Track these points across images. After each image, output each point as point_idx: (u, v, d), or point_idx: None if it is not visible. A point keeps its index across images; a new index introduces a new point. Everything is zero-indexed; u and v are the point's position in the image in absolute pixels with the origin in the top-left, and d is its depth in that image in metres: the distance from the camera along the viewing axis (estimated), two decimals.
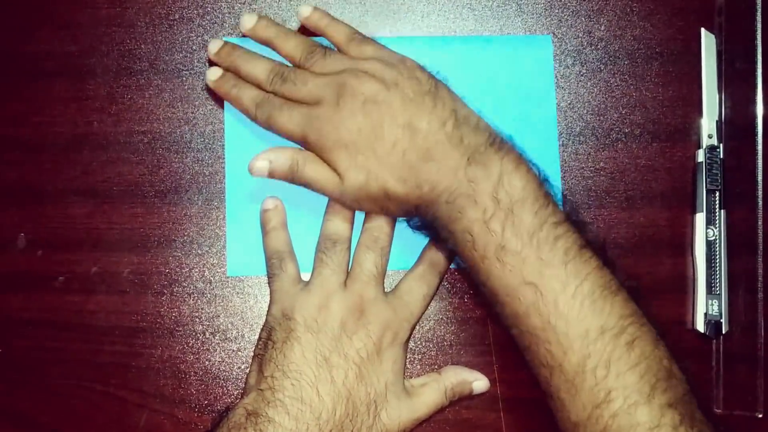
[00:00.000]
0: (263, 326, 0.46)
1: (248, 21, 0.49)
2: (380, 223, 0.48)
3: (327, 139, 0.44)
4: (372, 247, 0.47)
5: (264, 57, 0.48)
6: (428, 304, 0.48)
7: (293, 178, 0.45)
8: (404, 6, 0.52)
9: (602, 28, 0.53)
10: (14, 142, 0.50)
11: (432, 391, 0.47)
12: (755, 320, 0.51)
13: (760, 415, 0.50)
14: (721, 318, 0.50)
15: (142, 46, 0.51)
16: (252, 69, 0.47)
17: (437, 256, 0.48)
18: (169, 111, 0.51)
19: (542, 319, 0.39)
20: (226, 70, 0.49)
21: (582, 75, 0.53)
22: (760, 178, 0.51)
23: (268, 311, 0.47)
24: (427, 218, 0.44)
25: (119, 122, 0.51)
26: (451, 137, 0.42)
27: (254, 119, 0.47)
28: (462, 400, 0.49)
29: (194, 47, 0.51)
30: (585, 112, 0.52)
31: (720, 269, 0.50)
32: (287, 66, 0.47)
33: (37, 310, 0.49)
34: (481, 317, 0.50)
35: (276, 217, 0.49)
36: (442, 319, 0.50)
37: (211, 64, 0.49)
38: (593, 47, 0.53)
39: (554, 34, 0.53)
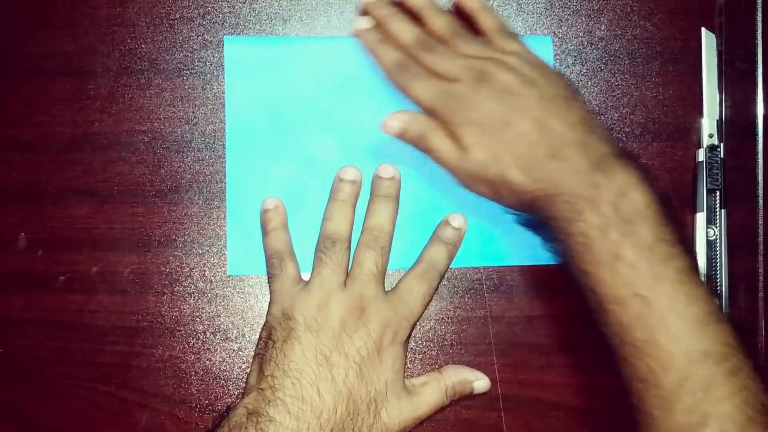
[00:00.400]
0: (264, 326, 0.46)
1: None
2: (380, 223, 0.48)
3: (457, 115, 0.44)
4: (372, 246, 0.47)
5: (413, 23, 0.48)
6: (428, 304, 0.48)
7: (418, 143, 0.45)
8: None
9: (603, 27, 0.53)
10: (15, 142, 0.50)
11: (433, 390, 0.47)
12: (755, 320, 0.51)
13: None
14: None
15: (143, 46, 0.51)
16: (400, 30, 0.47)
17: (438, 255, 0.48)
18: (169, 111, 0.51)
19: (647, 333, 0.39)
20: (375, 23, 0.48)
21: (582, 74, 0.53)
22: (760, 177, 0.51)
23: (268, 311, 0.47)
24: (541, 215, 0.43)
25: (120, 122, 0.51)
26: (579, 142, 0.42)
27: (390, 78, 0.47)
28: (462, 400, 0.49)
29: (195, 47, 0.51)
30: None
31: (720, 269, 0.50)
32: (431, 38, 0.47)
33: (38, 310, 0.49)
34: (482, 317, 0.51)
35: (276, 217, 0.49)
36: (442, 318, 0.50)
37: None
38: (593, 47, 0.53)
39: (555, 33, 0.53)
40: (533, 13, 0.53)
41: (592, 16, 0.53)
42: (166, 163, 0.50)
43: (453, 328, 0.50)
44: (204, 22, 0.51)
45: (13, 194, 0.50)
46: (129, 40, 0.51)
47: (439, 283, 0.49)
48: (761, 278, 0.51)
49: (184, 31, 0.51)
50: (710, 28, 0.53)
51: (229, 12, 0.52)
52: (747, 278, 0.51)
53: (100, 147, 0.50)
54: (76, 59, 0.51)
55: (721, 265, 0.50)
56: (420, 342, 0.50)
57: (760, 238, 0.51)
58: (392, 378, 0.45)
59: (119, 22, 0.51)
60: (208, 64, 0.51)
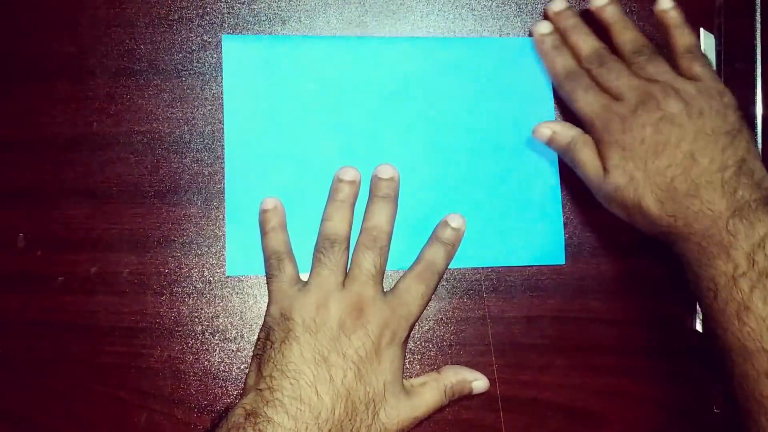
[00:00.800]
0: (262, 327, 0.47)
1: (600, 1, 0.50)
2: (379, 223, 0.48)
3: (610, 134, 0.46)
4: (371, 247, 0.47)
5: (595, 36, 0.50)
6: (427, 304, 0.48)
7: (566, 153, 0.48)
8: (404, 6, 0.52)
9: (602, 28, 0.53)
10: (13, 143, 0.50)
11: (431, 391, 0.47)
12: None
13: None
14: None
15: (142, 47, 0.51)
16: (579, 40, 0.50)
17: (436, 256, 0.48)
18: (168, 111, 0.51)
19: None
20: (555, 29, 0.51)
21: None
22: None
23: (266, 311, 0.47)
24: (673, 250, 0.45)
25: (119, 122, 0.51)
26: (725, 183, 0.43)
27: (558, 84, 0.50)
28: (461, 400, 0.49)
29: (194, 47, 0.51)
30: None
31: None
32: (609, 53, 0.49)
33: (37, 311, 0.49)
34: (481, 317, 0.51)
35: (275, 217, 0.49)
36: (441, 319, 0.50)
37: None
38: None
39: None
40: (533, 14, 0.53)
41: (592, 17, 0.53)
42: (164, 164, 0.50)
43: (452, 328, 0.50)
44: (203, 23, 0.51)
45: (12, 194, 0.50)
46: (128, 41, 0.51)
47: (437, 284, 0.49)
48: None
49: (183, 31, 0.51)
50: (709, 29, 0.52)
51: (228, 12, 0.52)
52: None
53: (98, 147, 0.50)
54: (74, 60, 0.51)
55: None
56: (419, 342, 0.50)
57: None
58: (390, 378, 0.45)
59: (118, 22, 0.51)
60: (206, 64, 0.51)
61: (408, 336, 0.47)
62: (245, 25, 0.51)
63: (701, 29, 0.52)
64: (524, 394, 0.50)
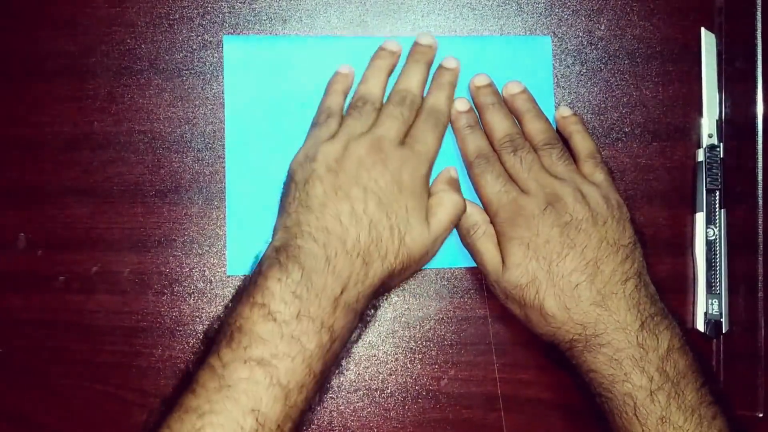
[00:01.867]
0: (288, 171, 0.47)
1: (514, 88, 0.51)
2: (410, 86, 0.49)
3: (514, 229, 0.45)
4: (399, 103, 0.48)
5: (511, 119, 0.50)
6: (440, 142, 0.48)
7: (466, 236, 0.48)
8: (404, 6, 0.52)
9: (602, 27, 0.53)
10: (14, 142, 0.50)
11: (442, 210, 0.47)
12: (755, 320, 0.51)
13: (761, 415, 0.50)
14: (722, 317, 0.50)
15: (143, 46, 0.51)
16: (495, 122, 0.49)
17: (438, 101, 0.49)
18: (169, 111, 0.51)
19: None
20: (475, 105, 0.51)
21: (582, 74, 0.53)
22: (760, 177, 0.52)
23: (294, 157, 0.47)
24: (577, 363, 0.45)
25: (119, 122, 0.51)
26: (630, 296, 0.44)
27: (467, 164, 0.49)
28: (462, 400, 0.49)
29: (194, 47, 0.51)
30: (585, 111, 0.52)
31: (720, 269, 0.50)
32: (523, 140, 0.49)
33: (38, 310, 0.49)
34: (482, 317, 0.51)
35: (344, 81, 0.50)
36: (442, 318, 0.50)
37: None
38: (593, 47, 0.53)
39: (554, 33, 0.53)
40: (533, 13, 0.53)
41: (592, 16, 0.53)
42: (165, 163, 0.50)
43: (453, 327, 0.50)
44: (203, 22, 0.51)
45: (13, 194, 0.50)
46: (128, 40, 0.51)
47: (446, 124, 0.49)
48: (761, 278, 0.51)
49: (184, 31, 0.51)
50: (710, 28, 0.53)
51: (229, 12, 0.52)
52: (746, 278, 0.51)
53: (99, 147, 0.50)
54: (75, 59, 0.51)
55: (720, 265, 0.50)
56: (420, 342, 0.50)
57: (760, 238, 0.51)
58: (413, 205, 0.45)
59: (119, 22, 0.51)
60: (207, 64, 0.51)
61: (429, 173, 0.47)
62: (246, 24, 0.51)
63: (702, 29, 0.52)
64: (525, 394, 0.50)
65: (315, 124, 0.48)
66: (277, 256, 0.42)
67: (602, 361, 0.43)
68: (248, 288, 0.42)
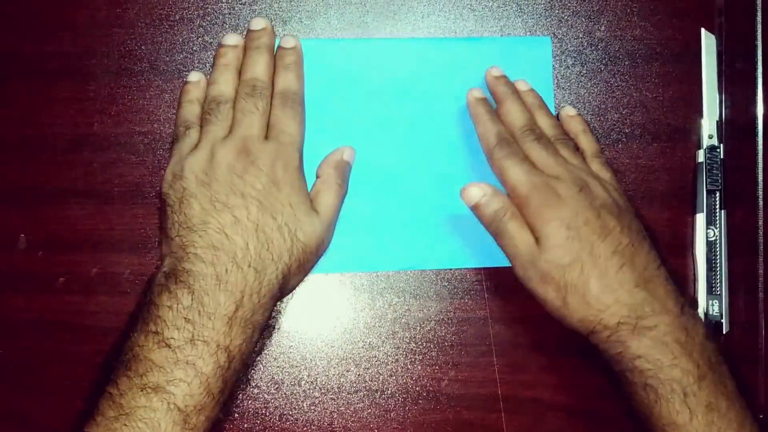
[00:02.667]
0: (160, 197, 0.46)
1: (522, 86, 0.51)
2: (257, 73, 0.48)
3: (550, 210, 0.44)
4: (251, 93, 0.47)
5: (529, 111, 0.49)
6: (303, 124, 0.48)
7: (492, 221, 0.46)
8: (404, 6, 0.52)
9: (602, 28, 0.53)
10: (15, 143, 0.50)
11: (326, 193, 0.47)
12: (756, 320, 0.51)
13: (761, 416, 0.50)
14: (722, 318, 0.50)
15: (143, 47, 0.51)
16: (514, 111, 0.49)
17: (286, 81, 0.48)
18: (169, 112, 0.51)
19: None
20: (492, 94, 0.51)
21: (582, 75, 0.53)
22: (760, 178, 0.52)
23: (163, 181, 0.46)
24: (617, 350, 0.43)
25: (119, 123, 0.51)
26: (666, 281, 0.44)
27: (488, 152, 0.48)
28: (462, 401, 0.49)
29: (195, 48, 0.51)
30: (585, 112, 0.52)
31: (720, 269, 0.50)
32: (542, 131, 0.48)
33: (38, 311, 0.49)
34: (482, 318, 0.51)
35: (195, 90, 0.49)
36: (442, 319, 0.50)
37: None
38: (593, 48, 0.53)
39: (554, 34, 0.53)
40: (533, 14, 0.53)
41: (592, 17, 0.53)
42: (165, 165, 0.50)
43: (453, 329, 0.50)
44: (204, 24, 0.51)
45: (13, 195, 0.50)
46: (129, 42, 0.51)
47: (301, 103, 0.49)
48: (761, 278, 0.51)
49: (184, 32, 0.51)
50: (710, 29, 0.53)
51: (229, 13, 0.52)
52: (747, 278, 0.51)
53: (99, 148, 0.50)
54: (75, 60, 0.51)
55: (721, 266, 0.50)
56: (420, 343, 0.50)
57: (760, 239, 0.51)
58: (296, 200, 0.45)
59: (119, 23, 0.51)
60: (208, 65, 0.51)
61: (301, 161, 0.47)
62: (246, 25, 0.51)
63: (702, 29, 0.52)
64: (525, 395, 0.50)
65: (175, 140, 0.48)
66: (166, 282, 0.42)
67: (649, 345, 0.42)
68: (142, 315, 0.42)
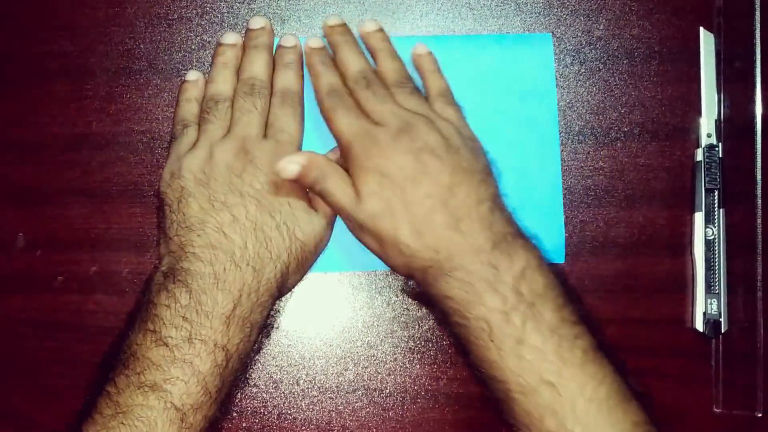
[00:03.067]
0: (156, 197, 0.46)
1: (369, 26, 0.50)
2: (256, 71, 0.48)
3: (368, 159, 0.44)
4: (249, 92, 0.47)
5: (365, 58, 0.49)
6: (302, 123, 0.48)
7: (314, 185, 0.45)
8: (403, 5, 0.52)
9: (601, 27, 0.53)
10: (13, 142, 0.50)
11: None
12: (754, 319, 0.51)
13: (760, 415, 0.50)
14: (720, 317, 0.50)
15: (141, 46, 0.51)
16: (348, 59, 0.49)
17: (287, 80, 0.49)
18: (168, 111, 0.51)
19: (557, 422, 0.39)
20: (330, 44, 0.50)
21: (581, 74, 0.53)
22: (759, 177, 0.51)
23: (161, 180, 0.47)
24: (433, 292, 0.43)
25: (118, 122, 0.51)
26: (483, 218, 0.42)
27: (319, 101, 0.48)
28: (461, 400, 0.49)
29: (193, 47, 0.51)
30: (584, 111, 0.52)
31: (719, 268, 0.50)
32: (376, 77, 0.48)
33: (37, 311, 0.49)
34: None
35: (193, 89, 0.49)
36: None
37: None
38: (592, 46, 0.53)
39: (553, 33, 0.53)
40: (532, 13, 0.53)
41: (591, 16, 0.53)
42: (164, 163, 0.50)
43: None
44: (202, 22, 0.51)
45: (12, 194, 0.50)
46: (127, 41, 0.51)
47: (301, 101, 0.49)
48: (760, 278, 0.51)
49: (183, 31, 0.51)
50: (709, 28, 0.52)
51: (227, 12, 0.52)
52: (745, 278, 0.51)
53: (98, 147, 0.50)
54: (74, 59, 0.51)
55: (719, 265, 0.50)
56: (419, 342, 0.50)
57: (759, 238, 0.51)
58: (293, 198, 0.45)
59: (117, 22, 0.51)
60: (206, 64, 0.51)
61: None
62: (244, 24, 0.51)
63: (701, 29, 0.52)
64: None
65: (173, 139, 0.48)
66: (164, 281, 0.42)
67: (455, 286, 0.41)
68: (141, 314, 0.42)
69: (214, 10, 0.52)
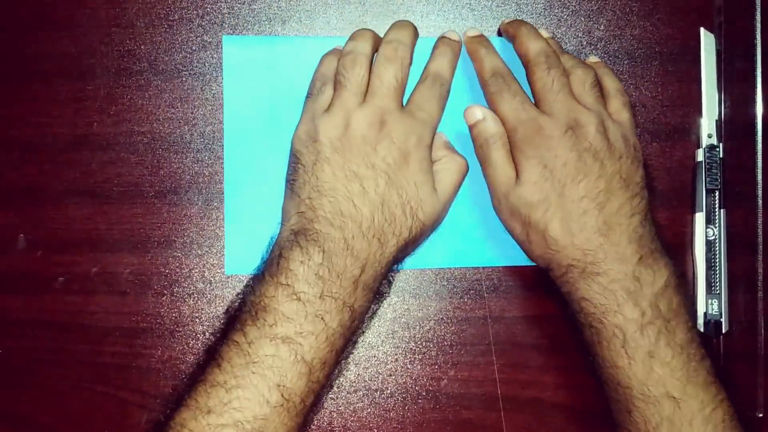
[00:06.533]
0: (291, 151, 0.46)
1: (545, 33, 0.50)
2: (401, 36, 0.47)
3: (533, 148, 0.45)
4: (392, 59, 0.46)
5: (546, 41, 0.48)
6: (443, 108, 0.48)
7: (481, 146, 0.47)
8: (404, 6, 0.52)
9: (602, 27, 0.53)
10: (14, 143, 0.50)
11: (448, 172, 0.47)
12: (755, 319, 0.51)
13: (761, 415, 0.50)
14: (721, 317, 0.50)
15: (142, 47, 0.51)
16: (530, 41, 0.48)
17: (441, 66, 0.48)
18: (168, 111, 0.51)
19: None
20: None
21: None
22: (759, 177, 0.51)
23: (294, 134, 0.47)
24: (569, 290, 0.45)
25: (119, 123, 0.51)
26: (633, 230, 0.44)
27: (483, 83, 0.48)
28: (462, 401, 0.49)
29: (194, 47, 0.51)
30: None
31: (719, 269, 0.50)
32: (558, 61, 0.47)
33: (37, 311, 0.49)
34: (481, 317, 0.51)
35: (338, 53, 0.48)
36: (442, 318, 0.50)
37: None
38: (593, 47, 0.53)
39: (554, 33, 0.53)
40: (532, 13, 0.53)
41: (591, 16, 0.53)
42: (165, 164, 0.50)
43: (453, 328, 0.51)
44: (203, 23, 0.51)
45: (12, 195, 0.50)
46: (128, 41, 0.51)
47: (448, 90, 0.49)
48: (760, 278, 0.51)
49: (183, 32, 0.51)
50: (709, 28, 0.53)
51: (228, 13, 0.52)
52: (746, 278, 0.51)
53: (99, 148, 0.50)
54: (74, 60, 0.51)
55: (720, 265, 0.50)
56: (419, 342, 0.50)
57: (760, 238, 0.51)
58: (422, 179, 0.45)
59: (118, 23, 0.51)
60: (206, 64, 0.51)
61: (432, 139, 0.47)
62: (245, 25, 0.51)
63: (701, 29, 0.52)
64: (525, 394, 0.50)
65: (309, 95, 0.47)
66: (296, 239, 0.42)
67: (596, 290, 0.43)
68: (270, 269, 0.42)
69: (215, 11, 0.52)
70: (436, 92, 0.47)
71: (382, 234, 0.43)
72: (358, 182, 0.44)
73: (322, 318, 0.41)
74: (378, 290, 0.45)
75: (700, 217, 0.51)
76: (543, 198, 0.44)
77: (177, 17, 0.51)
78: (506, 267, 0.51)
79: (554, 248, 0.44)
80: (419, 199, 0.45)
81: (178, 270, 0.50)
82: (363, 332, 0.49)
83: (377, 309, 0.48)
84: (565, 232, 0.44)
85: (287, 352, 0.40)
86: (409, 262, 0.49)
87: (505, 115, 0.46)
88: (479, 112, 0.47)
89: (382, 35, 0.51)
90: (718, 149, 0.51)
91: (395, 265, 0.46)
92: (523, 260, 0.50)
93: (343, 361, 0.45)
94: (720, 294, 0.50)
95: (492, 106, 0.48)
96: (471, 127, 0.48)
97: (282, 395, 0.40)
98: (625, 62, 0.53)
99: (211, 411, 0.39)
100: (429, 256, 0.50)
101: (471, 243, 0.50)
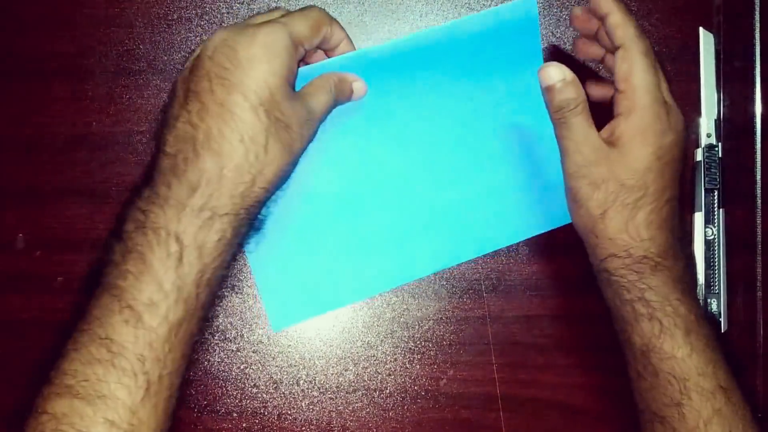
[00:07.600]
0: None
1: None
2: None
3: (653, 134, 0.43)
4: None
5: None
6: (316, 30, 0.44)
7: (559, 110, 0.43)
8: (403, 6, 0.52)
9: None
10: (13, 142, 0.50)
11: (320, 92, 0.44)
12: (754, 319, 0.51)
13: (760, 415, 0.50)
14: (720, 317, 0.50)
15: (141, 47, 0.51)
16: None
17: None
18: None
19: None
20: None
21: (581, 75, 0.52)
22: (758, 176, 0.52)
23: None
24: (635, 283, 0.43)
25: (118, 122, 0.51)
26: (682, 229, 0.45)
27: (622, 40, 0.44)
28: (461, 400, 0.49)
29: (193, 47, 0.51)
30: None
31: (719, 268, 0.50)
32: None
33: (37, 311, 0.49)
34: (480, 317, 0.51)
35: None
36: (440, 318, 0.50)
37: None
38: None
39: (553, 33, 0.53)
40: None
41: None
42: None
43: (451, 328, 0.51)
44: (202, 23, 0.51)
45: (11, 194, 0.50)
46: (127, 41, 0.51)
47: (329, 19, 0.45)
48: (759, 277, 0.51)
49: (182, 31, 0.51)
50: (708, 28, 0.53)
51: (227, 12, 0.52)
52: (745, 277, 0.51)
53: (98, 147, 0.50)
54: (74, 60, 0.51)
55: (719, 265, 0.50)
56: (419, 342, 0.50)
57: (758, 238, 0.51)
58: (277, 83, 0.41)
59: (117, 22, 0.51)
60: None
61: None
62: None
63: (701, 28, 0.52)
64: (524, 394, 0.50)
65: None
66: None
67: (663, 282, 0.43)
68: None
69: (214, 11, 0.52)
70: (303, 12, 0.44)
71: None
72: (196, 100, 0.40)
73: (142, 254, 0.38)
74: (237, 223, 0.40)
75: (699, 217, 0.51)
76: (642, 185, 0.42)
77: (176, 17, 0.51)
78: (505, 267, 0.51)
79: (632, 236, 0.43)
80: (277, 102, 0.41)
81: None
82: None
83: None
84: (650, 225, 0.43)
85: (109, 298, 0.39)
86: (408, 273, 0.49)
87: (642, 88, 0.43)
88: (556, 73, 0.42)
89: (381, 35, 0.52)
90: (717, 149, 0.51)
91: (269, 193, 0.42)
92: (533, 230, 0.51)
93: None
94: (719, 293, 0.50)
95: (631, 64, 0.43)
96: (545, 90, 0.43)
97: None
98: None
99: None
100: (431, 257, 0.50)
101: (467, 236, 0.50)
